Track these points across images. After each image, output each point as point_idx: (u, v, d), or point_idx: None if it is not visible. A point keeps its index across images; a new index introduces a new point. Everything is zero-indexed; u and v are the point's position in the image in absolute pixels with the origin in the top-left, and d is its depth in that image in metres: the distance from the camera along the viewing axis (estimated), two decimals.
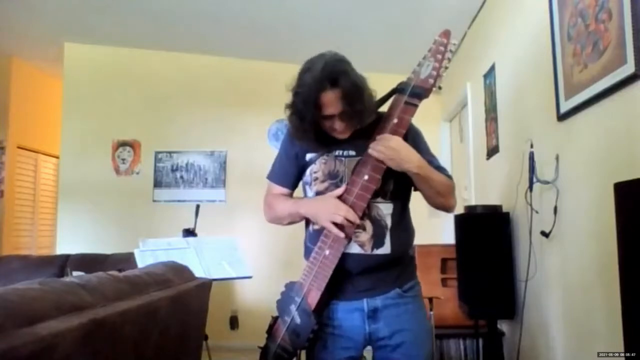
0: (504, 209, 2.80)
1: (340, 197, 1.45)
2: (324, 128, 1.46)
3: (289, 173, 1.62)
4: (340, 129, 1.44)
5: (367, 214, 1.46)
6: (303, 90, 1.37)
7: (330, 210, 1.43)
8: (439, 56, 1.41)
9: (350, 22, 3.86)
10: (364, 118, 1.42)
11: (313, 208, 1.50)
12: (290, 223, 1.62)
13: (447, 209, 1.58)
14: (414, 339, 1.51)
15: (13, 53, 5.12)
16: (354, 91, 1.36)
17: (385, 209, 1.49)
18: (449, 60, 1.42)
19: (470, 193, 3.64)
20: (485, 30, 3.31)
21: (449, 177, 1.55)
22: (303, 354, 1.57)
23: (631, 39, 1.55)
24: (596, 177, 1.84)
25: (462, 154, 4.09)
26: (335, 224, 1.42)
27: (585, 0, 1.87)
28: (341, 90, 1.35)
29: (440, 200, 1.53)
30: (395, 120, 1.43)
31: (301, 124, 1.42)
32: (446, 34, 1.43)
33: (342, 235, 1.42)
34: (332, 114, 1.40)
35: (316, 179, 1.53)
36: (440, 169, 1.53)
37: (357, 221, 1.42)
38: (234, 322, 4.63)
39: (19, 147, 5.28)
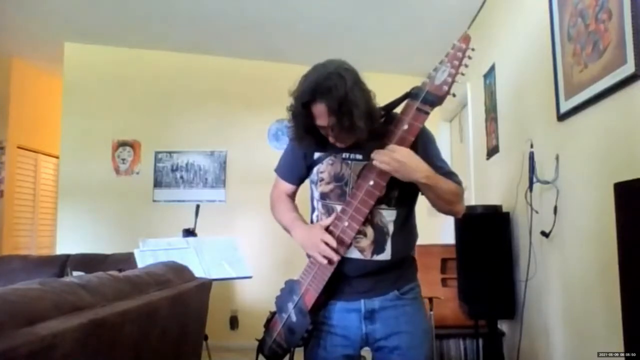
0: (504, 209, 2.80)
1: (344, 203, 1.45)
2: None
3: (294, 169, 1.61)
4: (332, 140, 1.44)
5: (369, 219, 1.45)
6: (297, 97, 1.38)
7: (313, 242, 1.44)
8: (456, 62, 1.36)
9: (350, 22, 3.86)
10: (356, 134, 1.38)
11: (300, 237, 1.52)
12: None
13: (454, 214, 1.57)
14: (410, 341, 1.50)
15: (13, 53, 5.12)
16: (340, 108, 1.32)
17: (388, 216, 1.48)
18: (466, 66, 1.37)
19: (470, 193, 3.64)
20: (485, 30, 3.31)
21: (459, 182, 1.52)
22: (299, 352, 1.58)
23: (631, 39, 1.55)
24: (596, 177, 1.84)
25: (462, 154, 4.09)
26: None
27: (585, 0, 1.87)
28: (326, 105, 1.33)
29: (448, 208, 1.51)
30: (405, 127, 1.40)
31: (297, 129, 1.43)
32: (466, 39, 1.38)
33: (325, 262, 1.43)
34: (324, 125, 1.39)
35: (322, 179, 1.53)
36: (450, 174, 1.51)
37: (335, 258, 1.42)
38: (234, 322, 4.64)
39: (19, 147, 5.28)
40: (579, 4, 1.92)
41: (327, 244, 1.41)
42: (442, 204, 1.49)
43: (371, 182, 1.41)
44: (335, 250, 1.42)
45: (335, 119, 1.34)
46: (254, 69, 4.85)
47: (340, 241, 1.43)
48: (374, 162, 1.38)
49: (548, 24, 2.20)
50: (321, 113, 1.35)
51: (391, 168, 1.36)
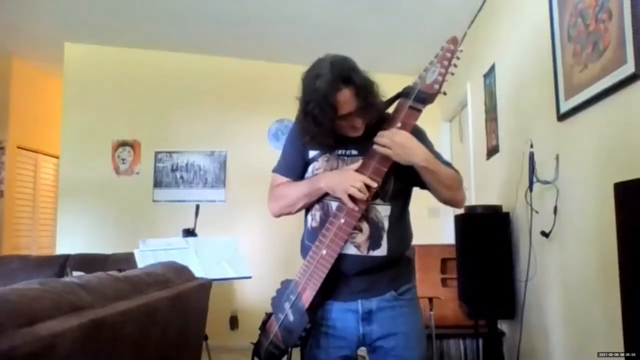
0: (504, 209, 2.80)
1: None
2: (340, 129, 1.46)
3: (296, 166, 1.60)
4: (359, 125, 1.45)
5: (364, 215, 1.46)
6: (318, 96, 1.36)
7: (348, 181, 1.42)
8: (445, 62, 1.42)
9: (350, 22, 3.86)
10: (378, 110, 1.44)
11: (331, 180, 1.47)
12: (301, 208, 1.59)
13: (456, 203, 1.58)
14: (406, 342, 1.51)
15: (13, 53, 5.12)
16: (366, 85, 1.39)
17: (383, 211, 1.50)
18: (455, 66, 1.43)
19: (470, 193, 3.64)
20: (485, 30, 3.31)
21: (456, 171, 1.56)
22: (295, 352, 1.57)
23: (631, 39, 1.55)
24: (596, 177, 1.84)
25: (462, 154, 4.09)
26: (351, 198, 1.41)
27: (585, 0, 1.87)
28: (355, 86, 1.37)
29: (449, 195, 1.53)
30: (399, 125, 1.43)
31: (320, 130, 1.41)
32: (454, 40, 1.44)
33: (355, 207, 1.42)
34: (349, 112, 1.40)
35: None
36: (446, 163, 1.54)
37: (374, 185, 1.42)
38: (234, 322, 4.64)
39: (19, 147, 5.28)
40: (579, 4, 1.92)
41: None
42: (443, 190, 1.51)
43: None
44: (367, 188, 1.41)
45: (361, 98, 1.38)
46: (254, 69, 4.85)
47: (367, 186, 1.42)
48: (375, 147, 1.42)
49: (548, 24, 2.20)
50: (347, 99, 1.38)
51: (392, 152, 1.40)
